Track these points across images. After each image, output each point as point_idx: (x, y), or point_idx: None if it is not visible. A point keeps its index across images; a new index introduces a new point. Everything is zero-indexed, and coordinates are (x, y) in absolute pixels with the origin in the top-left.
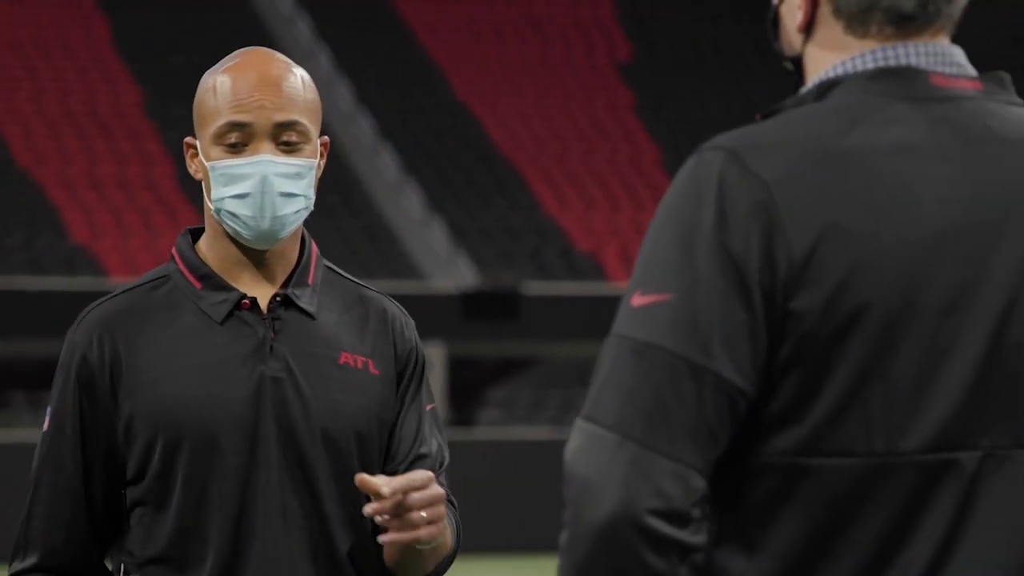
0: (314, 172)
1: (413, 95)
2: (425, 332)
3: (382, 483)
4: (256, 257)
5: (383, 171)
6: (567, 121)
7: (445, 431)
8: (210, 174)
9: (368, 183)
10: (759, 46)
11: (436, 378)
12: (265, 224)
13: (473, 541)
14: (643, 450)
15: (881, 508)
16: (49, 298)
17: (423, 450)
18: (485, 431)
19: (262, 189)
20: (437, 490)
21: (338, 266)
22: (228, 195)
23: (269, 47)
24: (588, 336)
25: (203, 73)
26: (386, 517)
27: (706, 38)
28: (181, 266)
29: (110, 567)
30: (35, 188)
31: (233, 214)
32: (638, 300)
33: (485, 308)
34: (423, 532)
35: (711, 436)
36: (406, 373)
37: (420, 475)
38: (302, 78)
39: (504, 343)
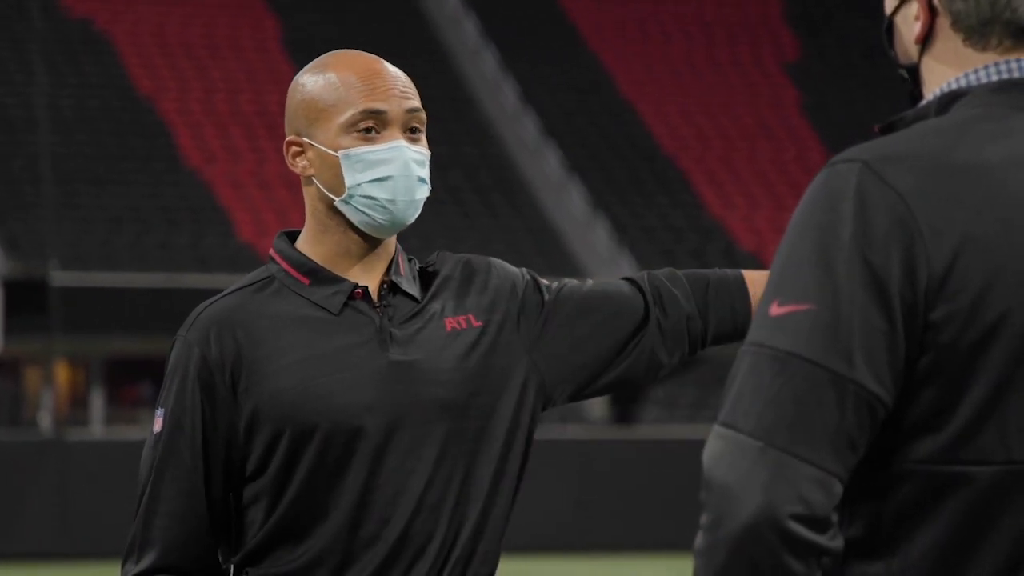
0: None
1: (578, 94)
2: None
3: None
4: (366, 248)
5: (547, 170)
6: (732, 120)
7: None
8: (343, 162)
9: (532, 182)
10: None
11: None
12: (401, 207)
13: (634, 539)
14: (786, 456)
15: (1018, 513)
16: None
17: (641, 285)
18: (646, 430)
19: (404, 172)
20: None
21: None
22: (366, 180)
23: (436, 46)
24: None
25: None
26: None
27: (873, 37)
28: (285, 265)
29: (222, 564)
30: (203, 187)
31: (371, 198)
32: (777, 310)
33: None
34: None
35: (851, 444)
36: (526, 296)
37: None
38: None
39: None
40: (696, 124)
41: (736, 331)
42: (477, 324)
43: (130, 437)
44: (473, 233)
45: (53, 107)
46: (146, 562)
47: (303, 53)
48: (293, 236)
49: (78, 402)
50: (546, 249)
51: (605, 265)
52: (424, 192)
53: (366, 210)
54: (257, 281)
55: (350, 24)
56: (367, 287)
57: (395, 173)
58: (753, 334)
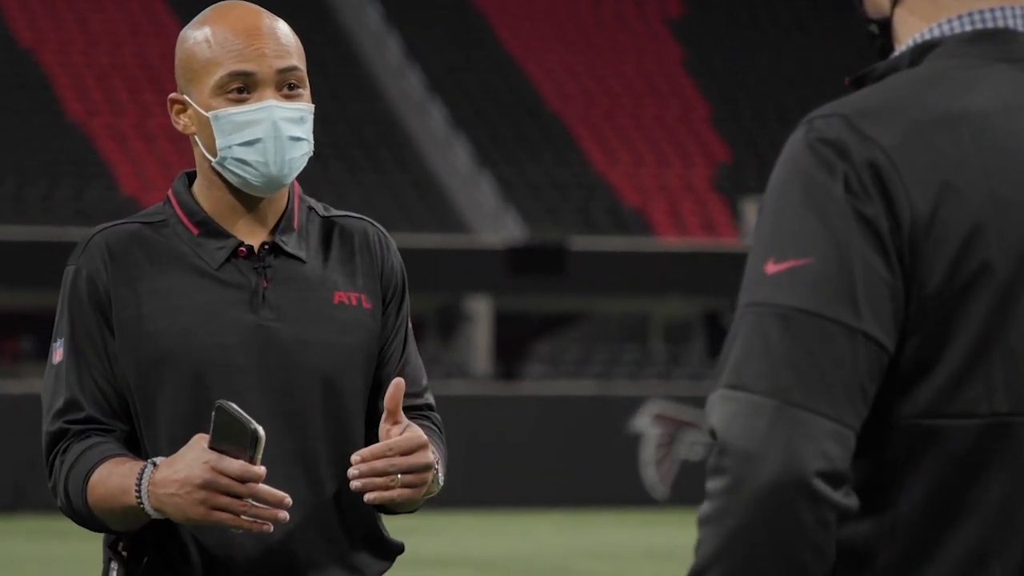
0: (312, 116)
1: (463, 49)
2: (472, 286)
3: (359, 456)
4: (251, 205)
5: (432, 126)
6: (616, 76)
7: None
8: (213, 124)
9: (417, 137)
10: (812, 1)
11: (482, 332)
12: (274, 169)
13: (518, 496)
14: (805, 413)
15: (1004, 467)
16: None
17: (414, 378)
18: (531, 386)
19: (273, 134)
20: (426, 459)
21: (386, 220)
22: (236, 143)
23: (320, 1)
24: (634, 291)
25: None
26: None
27: None
28: (178, 210)
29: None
30: (86, 140)
31: (242, 161)
32: (774, 267)
33: (532, 263)
34: (395, 494)
35: (863, 396)
36: (389, 291)
37: (408, 442)
38: (287, 27)
39: (550, 298)
40: (581, 81)
41: None
42: (368, 307)
43: (12, 391)
44: (358, 188)
45: None
46: (65, 416)
47: (186, 5)
48: (194, 177)
49: None
50: (431, 205)
51: (490, 221)
52: (300, 150)
53: (239, 172)
54: (153, 221)
55: None
56: (252, 246)
57: (263, 135)
58: (749, 294)
